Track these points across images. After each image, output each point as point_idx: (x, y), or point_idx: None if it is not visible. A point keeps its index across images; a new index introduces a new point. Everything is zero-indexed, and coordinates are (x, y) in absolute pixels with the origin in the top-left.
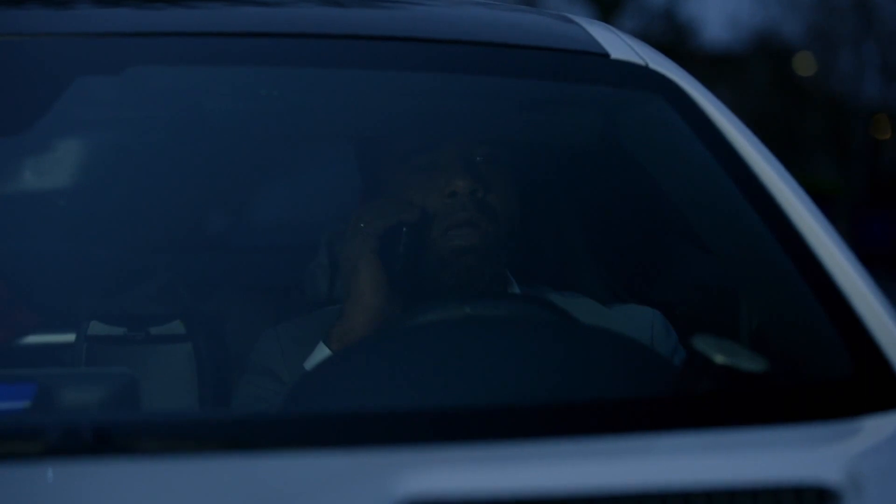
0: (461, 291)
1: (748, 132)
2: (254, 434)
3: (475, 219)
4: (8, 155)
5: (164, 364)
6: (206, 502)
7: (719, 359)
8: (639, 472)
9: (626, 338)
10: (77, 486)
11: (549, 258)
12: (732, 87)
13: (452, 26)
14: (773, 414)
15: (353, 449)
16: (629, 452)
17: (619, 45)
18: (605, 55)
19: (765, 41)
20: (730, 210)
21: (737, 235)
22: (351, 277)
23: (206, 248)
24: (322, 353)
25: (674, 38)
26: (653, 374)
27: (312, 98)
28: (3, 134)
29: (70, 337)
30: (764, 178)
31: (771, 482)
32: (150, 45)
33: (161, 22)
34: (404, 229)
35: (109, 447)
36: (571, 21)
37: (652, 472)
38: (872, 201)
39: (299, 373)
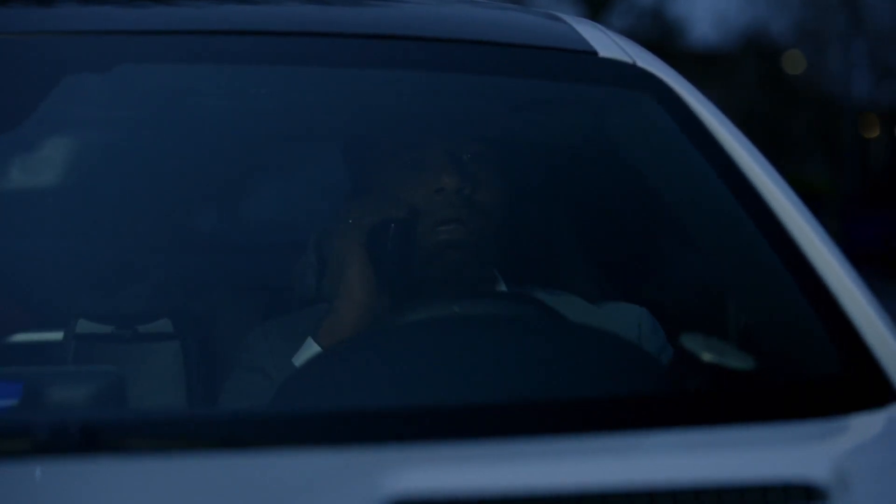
0: (448, 286)
1: (736, 130)
2: (241, 432)
3: (462, 215)
4: None
5: (153, 362)
6: (194, 500)
7: (707, 357)
8: (626, 470)
9: (614, 336)
10: (65, 484)
11: (536, 256)
12: (721, 85)
13: (440, 24)
14: (760, 412)
15: (340, 447)
16: (617, 450)
17: (607, 44)
18: (593, 53)
19: (753, 39)
20: (718, 208)
21: (725, 233)
22: (340, 273)
23: (196, 247)
24: (311, 348)
25: (662, 36)
26: (640, 372)
27: (301, 96)
28: None
29: (58, 335)
30: (752, 176)
31: (758, 480)
32: (140, 43)
33: (151, 20)
34: (392, 225)
35: (97, 445)
36: (559, 19)
37: (640, 469)
38: (863, 200)
39: (288, 369)
